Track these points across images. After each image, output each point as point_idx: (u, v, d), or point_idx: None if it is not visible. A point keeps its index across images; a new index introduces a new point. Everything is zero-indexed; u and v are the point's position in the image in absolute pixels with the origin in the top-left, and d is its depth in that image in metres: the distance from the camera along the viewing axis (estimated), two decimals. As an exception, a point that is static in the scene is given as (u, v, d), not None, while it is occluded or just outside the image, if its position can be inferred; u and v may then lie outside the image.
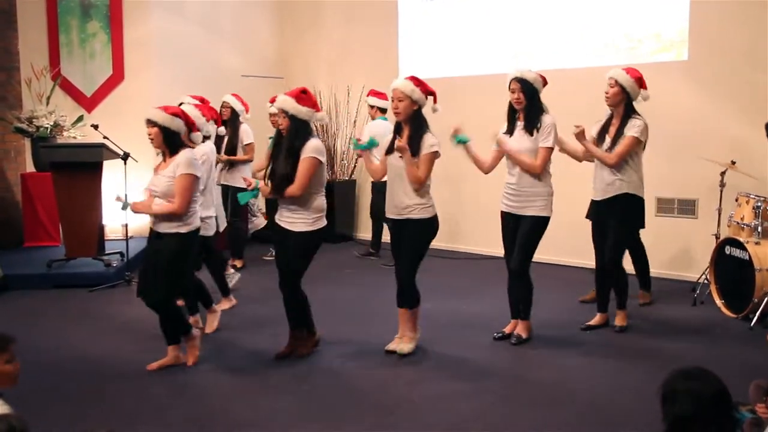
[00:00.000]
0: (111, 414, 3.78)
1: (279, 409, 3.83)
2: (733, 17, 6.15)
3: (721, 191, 5.68)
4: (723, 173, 5.68)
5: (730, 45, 6.17)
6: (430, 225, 4.46)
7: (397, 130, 4.49)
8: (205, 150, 5.22)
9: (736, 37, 6.13)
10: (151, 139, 4.26)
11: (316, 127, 8.55)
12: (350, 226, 8.93)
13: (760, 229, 5.24)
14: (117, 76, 8.28)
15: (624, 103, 4.87)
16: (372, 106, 7.36)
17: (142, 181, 4.54)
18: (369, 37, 8.68)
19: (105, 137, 6.69)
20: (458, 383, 4.15)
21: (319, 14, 9.23)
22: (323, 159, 4.39)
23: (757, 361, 4.38)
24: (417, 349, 4.59)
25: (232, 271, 6.45)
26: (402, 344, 4.54)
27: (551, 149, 4.62)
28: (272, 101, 6.28)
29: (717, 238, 5.69)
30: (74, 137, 7.66)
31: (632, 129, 4.80)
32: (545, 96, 4.72)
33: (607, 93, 4.88)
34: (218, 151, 6.80)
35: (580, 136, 4.84)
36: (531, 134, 4.60)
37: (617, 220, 4.92)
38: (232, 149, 6.93)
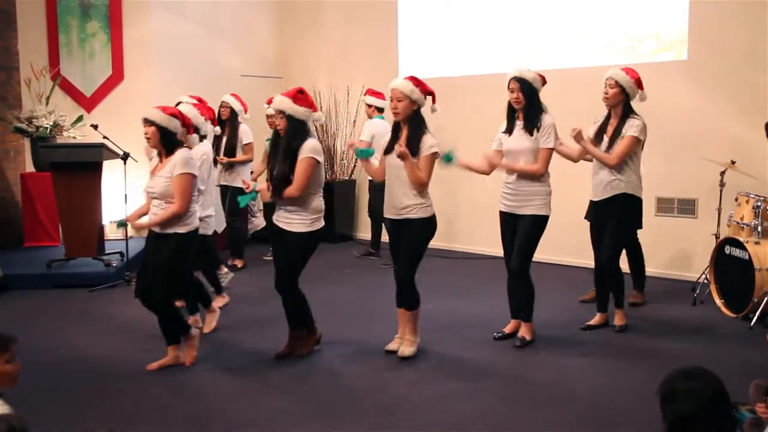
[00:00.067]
0: (111, 414, 3.78)
1: (279, 409, 3.83)
2: (733, 17, 6.15)
3: (721, 191, 5.68)
4: (723, 173, 5.68)
5: (730, 45, 6.17)
6: (429, 224, 4.45)
7: (396, 130, 4.48)
8: (205, 150, 5.23)
9: (736, 37, 6.13)
10: (148, 138, 4.25)
11: (315, 127, 8.60)
12: (350, 226, 8.93)
13: (759, 228, 5.24)
14: (116, 76, 8.28)
15: (623, 103, 4.88)
16: (370, 105, 7.36)
17: (142, 182, 4.54)
18: (369, 37, 8.68)
19: (105, 137, 6.69)
20: (458, 383, 4.15)
21: (319, 14, 9.23)
22: (321, 159, 4.39)
23: (757, 361, 4.38)
24: (417, 349, 4.57)
25: (225, 270, 6.44)
26: (403, 347, 4.53)
27: (552, 150, 4.62)
28: (269, 103, 6.28)
29: (717, 237, 5.69)
30: (74, 137, 7.67)
31: (632, 129, 4.81)
32: (545, 96, 4.72)
33: (606, 93, 4.88)
34: (217, 151, 6.82)
35: (579, 137, 4.84)
36: (531, 134, 4.59)
37: (615, 220, 4.92)
38: (231, 149, 6.93)
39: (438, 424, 3.61)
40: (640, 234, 5.47)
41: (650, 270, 6.06)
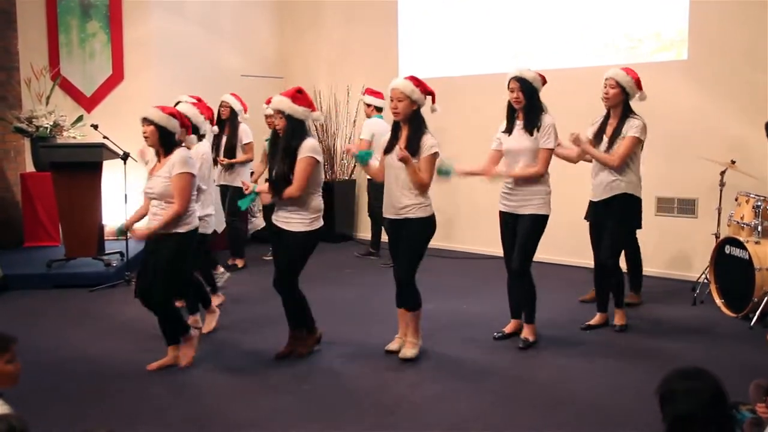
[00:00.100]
0: (111, 414, 3.78)
1: (279, 409, 3.83)
2: (733, 17, 6.15)
3: (721, 191, 5.68)
4: (723, 173, 5.68)
5: (730, 44, 6.18)
6: (429, 224, 4.44)
7: (395, 130, 4.47)
8: (205, 149, 5.23)
9: (736, 37, 6.13)
10: (146, 138, 4.24)
11: (315, 127, 8.61)
12: (350, 225, 8.93)
13: (760, 228, 5.24)
14: (117, 76, 8.28)
15: (623, 103, 4.88)
16: (369, 105, 7.37)
17: (142, 182, 4.53)
18: (369, 37, 8.68)
19: (105, 137, 6.69)
20: (458, 383, 4.15)
21: (319, 14, 9.23)
22: (320, 158, 4.38)
23: (757, 360, 4.38)
24: (419, 351, 4.53)
25: (222, 270, 6.45)
26: (405, 349, 4.50)
27: (552, 150, 4.61)
28: (268, 103, 6.28)
29: (717, 237, 5.69)
30: (74, 137, 7.67)
31: (632, 129, 4.80)
32: (545, 96, 4.71)
33: (607, 94, 4.87)
34: (216, 151, 6.83)
35: (577, 141, 4.84)
36: (531, 134, 4.58)
37: (615, 220, 4.92)
38: (231, 149, 6.93)
39: (438, 424, 3.61)
40: (640, 234, 5.46)
41: (650, 270, 6.07)
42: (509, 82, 4.62)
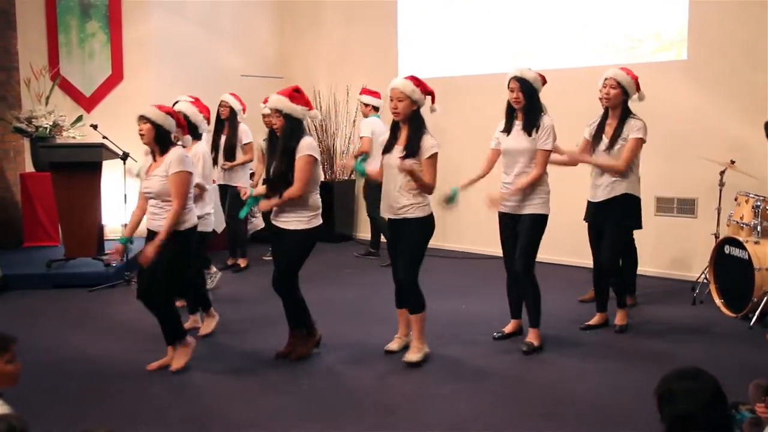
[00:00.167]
0: (111, 414, 3.78)
1: (279, 409, 3.83)
2: (732, 17, 6.15)
3: (721, 191, 5.68)
4: (722, 173, 5.68)
5: (730, 44, 6.18)
6: (428, 223, 4.41)
7: (395, 130, 4.46)
8: (205, 149, 5.23)
9: (736, 37, 6.13)
10: (142, 135, 4.23)
11: (315, 126, 8.61)
12: (350, 225, 8.94)
13: (759, 228, 5.24)
14: (116, 76, 8.28)
15: (623, 103, 4.88)
16: (366, 105, 7.37)
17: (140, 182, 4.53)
18: (369, 37, 8.68)
19: (104, 137, 6.69)
20: (458, 383, 4.15)
21: (319, 14, 9.23)
22: (318, 156, 4.38)
23: (756, 360, 4.38)
24: (423, 356, 4.45)
25: (214, 269, 6.45)
26: (409, 354, 4.44)
27: (550, 152, 4.58)
28: (265, 102, 6.28)
29: (716, 237, 5.69)
30: (73, 137, 7.67)
31: (635, 131, 4.79)
32: (545, 96, 4.70)
33: (608, 94, 4.85)
34: (216, 151, 6.83)
35: (581, 158, 4.83)
36: (529, 134, 4.56)
37: (615, 220, 4.91)
38: (230, 148, 6.93)
39: (438, 424, 3.61)
40: (640, 234, 5.46)
41: (650, 270, 6.07)
42: (509, 81, 4.60)
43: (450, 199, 4.45)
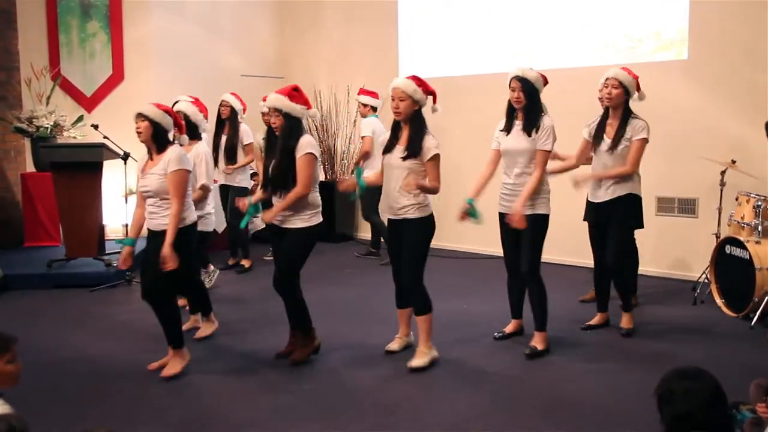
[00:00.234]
0: (111, 414, 3.78)
1: (279, 409, 3.83)
2: (733, 16, 6.15)
3: (722, 190, 5.68)
4: (723, 172, 5.68)
5: (730, 44, 6.17)
6: (428, 223, 4.39)
7: (395, 130, 4.45)
8: (205, 149, 5.23)
9: (736, 37, 6.13)
10: (139, 133, 4.22)
11: (316, 126, 8.62)
12: (350, 225, 8.94)
13: (760, 228, 5.24)
14: (117, 76, 8.29)
15: (624, 103, 4.87)
16: (365, 105, 7.37)
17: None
18: (369, 37, 8.68)
19: (105, 137, 6.70)
20: (458, 383, 4.15)
21: (319, 14, 9.23)
22: (318, 154, 4.38)
23: (757, 360, 4.38)
24: (429, 361, 4.42)
25: (212, 268, 6.45)
26: (415, 359, 4.39)
27: (549, 152, 4.56)
28: (265, 100, 6.28)
29: (717, 237, 5.69)
30: (74, 137, 7.67)
31: (639, 132, 4.78)
32: (545, 96, 4.69)
33: (609, 94, 4.83)
34: (216, 151, 6.83)
35: (583, 181, 4.85)
36: (529, 135, 4.53)
37: (619, 221, 4.89)
38: (231, 148, 6.92)
39: (438, 424, 3.61)
40: (641, 234, 5.45)
41: (650, 270, 6.07)
42: (511, 81, 4.57)
43: (472, 215, 4.44)
